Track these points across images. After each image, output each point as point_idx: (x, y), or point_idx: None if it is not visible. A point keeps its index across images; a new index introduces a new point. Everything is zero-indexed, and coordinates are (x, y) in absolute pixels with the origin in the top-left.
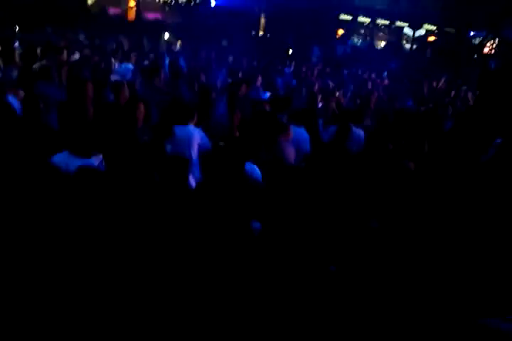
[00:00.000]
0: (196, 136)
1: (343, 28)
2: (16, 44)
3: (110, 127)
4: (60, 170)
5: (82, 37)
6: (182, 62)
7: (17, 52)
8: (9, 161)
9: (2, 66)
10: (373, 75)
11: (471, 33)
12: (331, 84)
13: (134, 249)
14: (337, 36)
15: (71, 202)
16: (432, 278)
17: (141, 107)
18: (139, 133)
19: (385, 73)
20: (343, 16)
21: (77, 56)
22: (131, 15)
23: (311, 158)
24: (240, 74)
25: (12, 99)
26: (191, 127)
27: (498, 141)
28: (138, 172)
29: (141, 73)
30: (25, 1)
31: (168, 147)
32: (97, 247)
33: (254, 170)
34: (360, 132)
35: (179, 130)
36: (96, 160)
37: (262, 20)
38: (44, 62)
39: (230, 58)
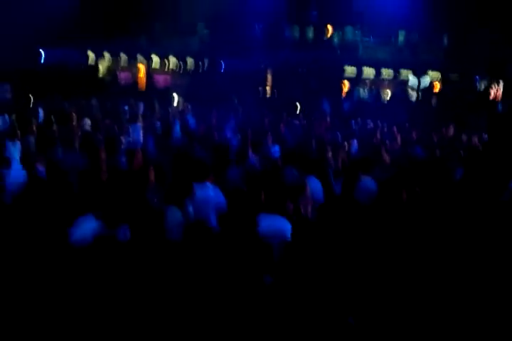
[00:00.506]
0: (215, 195)
1: (348, 81)
2: (41, 112)
3: (124, 193)
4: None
5: (94, 102)
6: (192, 123)
7: (34, 121)
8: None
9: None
10: (381, 125)
11: (476, 79)
12: (340, 135)
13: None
14: (343, 90)
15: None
16: None
17: (153, 172)
18: (150, 196)
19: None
20: (348, 69)
21: (88, 122)
22: (142, 83)
23: (324, 209)
24: (249, 132)
25: (40, 168)
26: (210, 186)
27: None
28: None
29: (153, 135)
30: (39, 72)
31: (190, 208)
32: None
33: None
34: (371, 182)
35: (199, 189)
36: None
37: (269, 77)
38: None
39: (240, 116)
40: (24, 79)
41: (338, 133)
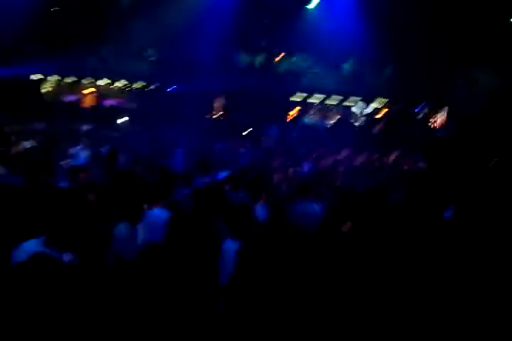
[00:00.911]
0: (164, 217)
1: (295, 108)
2: None
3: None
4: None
5: (37, 124)
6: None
7: None
8: None
9: None
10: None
11: (420, 106)
12: (288, 160)
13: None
14: (289, 117)
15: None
16: None
17: (94, 194)
18: (92, 220)
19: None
20: (296, 95)
21: (29, 143)
22: (87, 102)
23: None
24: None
25: None
26: (160, 208)
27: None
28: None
29: (96, 158)
30: None
31: (141, 232)
32: None
33: None
34: (314, 207)
35: (150, 211)
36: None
37: (219, 102)
38: None
39: (187, 141)
40: None
41: (286, 158)
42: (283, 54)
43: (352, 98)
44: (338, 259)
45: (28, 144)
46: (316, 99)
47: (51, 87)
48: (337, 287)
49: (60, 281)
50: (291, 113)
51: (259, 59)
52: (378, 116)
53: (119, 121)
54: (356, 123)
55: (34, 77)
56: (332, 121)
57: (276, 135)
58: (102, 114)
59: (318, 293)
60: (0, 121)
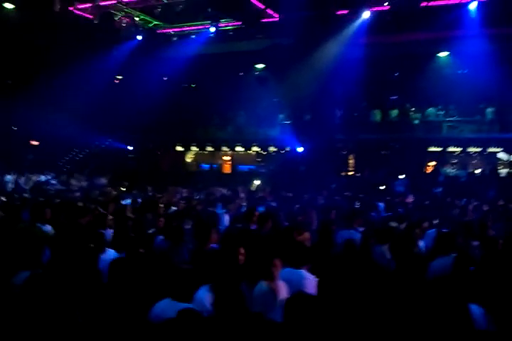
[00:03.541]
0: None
1: (432, 160)
2: (129, 201)
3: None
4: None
5: (181, 191)
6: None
7: (128, 208)
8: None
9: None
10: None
11: None
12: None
13: None
14: (428, 168)
15: None
16: None
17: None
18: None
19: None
20: (433, 148)
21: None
22: (226, 168)
23: None
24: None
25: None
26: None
27: None
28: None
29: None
30: (131, 165)
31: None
32: None
33: None
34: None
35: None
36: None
37: (351, 160)
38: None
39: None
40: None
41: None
42: (414, 108)
43: (495, 145)
44: None
45: (172, 209)
46: (456, 147)
47: (193, 156)
48: None
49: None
50: (430, 164)
51: (393, 113)
52: None
53: (254, 184)
54: (503, 171)
55: (179, 148)
56: (476, 170)
57: (402, 189)
58: (239, 178)
59: None
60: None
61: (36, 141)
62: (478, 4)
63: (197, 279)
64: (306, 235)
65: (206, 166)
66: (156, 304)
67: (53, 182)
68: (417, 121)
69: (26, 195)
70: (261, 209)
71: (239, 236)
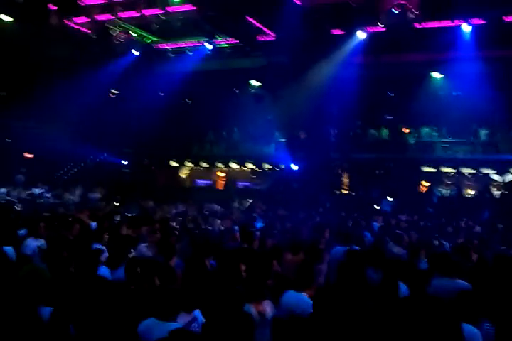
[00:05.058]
0: None
1: (426, 180)
2: (118, 218)
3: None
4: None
5: (178, 208)
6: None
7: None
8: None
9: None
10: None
11: None
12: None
13: None
14: (422, 188)
15: None
16: None
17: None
18: None
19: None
20: (427, 168)
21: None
22: (220, 184)
23: None
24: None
25: None
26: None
27: None
28: None
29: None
30: (126, 180)
31: None
32: None
33: None
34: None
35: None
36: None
37: (345, 179)
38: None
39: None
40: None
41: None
42: (408, 130)
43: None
44: None
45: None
46: (450, 168)
47: (187, 172)
48: None
49: None
50: (424, 183)
51: (385, 132)
52: None
53: (250, 201)
54: (497, 192)
55: (174, 163)
56: (470, 191)
57: (389, 209)
58: (234, 194)
59: None
60: (144, 208)
61: (30, 153)
62: (473, 27)
63: (183, 299)
64: (301, 255)
65: (201, 182)
66: (140, 323)
67: (47, 195)
68: (411, 141)
69: (18, 208)
70: (259, 225)
71: (238, 254)
